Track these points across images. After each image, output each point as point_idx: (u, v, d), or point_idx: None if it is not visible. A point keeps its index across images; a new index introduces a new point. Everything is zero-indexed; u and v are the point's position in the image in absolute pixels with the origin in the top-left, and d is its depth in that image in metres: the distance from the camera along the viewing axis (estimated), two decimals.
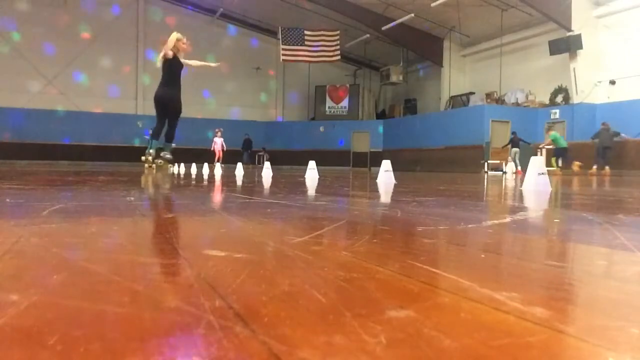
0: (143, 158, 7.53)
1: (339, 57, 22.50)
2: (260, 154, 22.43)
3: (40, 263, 0.69)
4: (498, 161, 16.21)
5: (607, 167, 13.19)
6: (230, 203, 2.13)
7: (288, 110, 25.75)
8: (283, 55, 22.13)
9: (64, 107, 20.85)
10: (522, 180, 3.87)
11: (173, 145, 7.55)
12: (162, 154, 7.40)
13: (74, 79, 21.34)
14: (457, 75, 21.38)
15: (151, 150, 7.49)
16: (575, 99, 16.46)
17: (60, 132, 20.06)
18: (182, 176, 5.62)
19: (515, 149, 15.21)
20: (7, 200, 1.86)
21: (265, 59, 24.24)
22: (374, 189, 3.46)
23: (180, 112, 7.21)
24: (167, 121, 7.11)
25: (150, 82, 22.64)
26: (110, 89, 22.08)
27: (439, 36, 20.82)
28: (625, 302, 0.54)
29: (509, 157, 15.09)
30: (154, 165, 7.68)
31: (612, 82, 15.83)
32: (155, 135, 7.35)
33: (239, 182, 4.31)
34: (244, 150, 21.54)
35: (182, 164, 11.98)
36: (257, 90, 24.68)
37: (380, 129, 23.46)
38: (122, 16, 22.26)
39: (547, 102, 17.76)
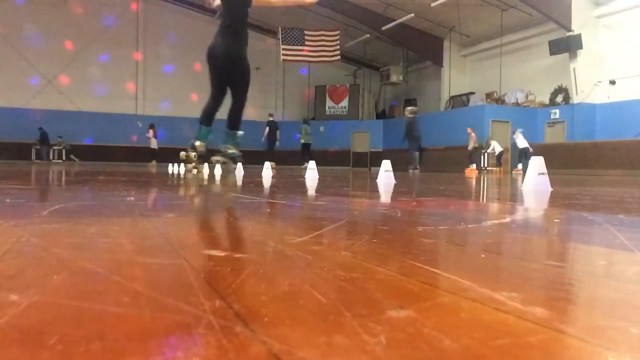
0: (182, 154, 5.14)
1: (339, 57, 22.51)
2: (56, 147, 19.64)
3: (40, 263, 0.69)
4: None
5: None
6: (230, 203, 2.13)
7: (288, 110, 25.76)
8: (283, 55, 22.14)
9: (63, 107, 20.85)
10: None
11: (240, 134, 5.04)
12: (223, 148, 5.11)
13: (74, 79, 21.32)
14: (457, 75, 21.39)
15: (197, 143, 5.02)
16: (575, 99, 16.47)
17: (60, 132, 20.04)
18: (182, 176, 5.62)
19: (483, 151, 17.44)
20: (7, 200, 1.86)
21: (265, 59, 24.25)
22: (374, 189, 3.46)
23: (247, 78, 4.81)
24: (232, 94, 4.83)
25: (151, 81, 22.67)
26: (110, 89, 22.07)
27: (439, 36, 20.82)
28: (625, 302, 0.54)
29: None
30: (198, 167, 5.46)
31: (612, 82, 15.84)
32: (205, 117, 4.94)
33: (239, 182, 4.31)
34: (41, 144, 19.06)
35: (182, 164, 11.97)
36: (257, 90, 24.69)
37: (381, 129, 23.45)
38: (122, 16, 22.26)
39: (547, 102, 17.78)
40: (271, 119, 17.57)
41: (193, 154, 5.07)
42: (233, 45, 4.65)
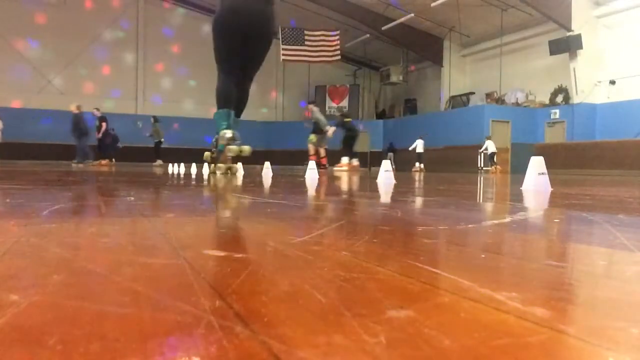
0: (207, 154, 4.49)
1: (339, 57, 22.50)
2: None
3: (40, 263, 0.69)
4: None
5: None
6: (230, 203, 2.12)
7: (288, 110, 25.74)
8: (283, 55, 22.13)
9: (64, 107, 20.81)
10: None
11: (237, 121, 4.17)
12: (227, 143, 4.26)
13: (74, 79, 21.30)
14: (457, 75, 21.39)
15: (225, 133, 4.07)
16: (575, 99, 16.47)
17: (60, 132, 20.02)
18: (181, 176, 5.62)
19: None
20: (7, 200, 1.86)
21: (265, 58, 24.17)
22: (374, 189, 3.46)
23: (268, 44, 3.87)
24: (242, 68, 3.97)
25: (151, 81, 22.66)
26: (110, 89, 22.05)
27: (439, 36, 20.81)
28: (625, 302, 0.54)
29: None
30: (232, 167, 4.78)
31: (612, 82, 15.84)
32: (224, 101, 4.11)
33: (239, 182, 4.31)
34: None
35: (181, 164, 11.98)
36: (257, 91, 24.67)
37: (380, 129, 23.45)
38: (122, 16, 22.24)
39: (547, 102, 17.78)
40: (100, 115, 16.80)
41: (214, 152, 4.19)
42: (257, 5, 3.81)
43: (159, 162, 17.48)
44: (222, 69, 4.05)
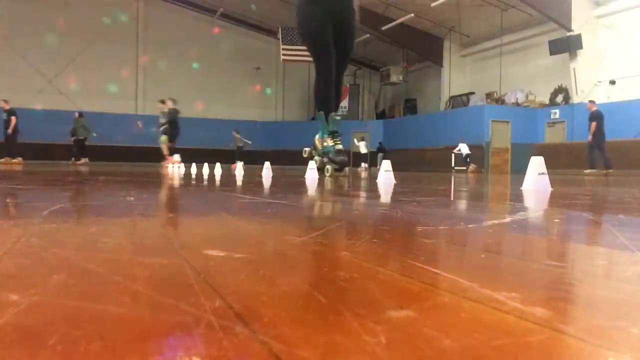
0: (316, 159, 4.05)
1: None
2: None
3: (40, 263, 0.69)
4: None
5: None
6: (230, 203, 2.12)
7: (288, 110, 25.74)
8: (283, 55, 22.11)
9: (63, 107, 20.81)
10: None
11: (338, 117, 4.11)
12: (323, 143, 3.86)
13: (74, 79, 21.31)
14: (457, 75, 21.38)
15: (323, 140, 3.89)
16: (575, 99, 16.47)
17: (60, 132, 20.03)
18: (182, 176, 5.61)
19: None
20: (7, 200, 1.86)
21: (265, 59, 24.23)
22: (374, 189, 3.46)
23: (355, 31, 3.83)
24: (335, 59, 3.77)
25: (151, 81, 22.67)
26: (110, 89, 22.06)
27: (439, 36, 20.81)
28: (625, 302, 0.54)
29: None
30: (326, 166, 4.57)
31: (612, 82, 15.84)
32: (324, 102, 3.98)
33: (239, 181, 4.31)
34: None
35: (182, 164, 11.98)
36: (257, 91, 24.67)
37: (381, 129, 23.45)
38: (122, 16, 22.25)
39: (547, 102, 17.78)
40: (9, 108, 14.95)
41: (313, 150, 4.08)
42: None
43: (84, 159, 16.03)
44: (320, 62, 4.08)
